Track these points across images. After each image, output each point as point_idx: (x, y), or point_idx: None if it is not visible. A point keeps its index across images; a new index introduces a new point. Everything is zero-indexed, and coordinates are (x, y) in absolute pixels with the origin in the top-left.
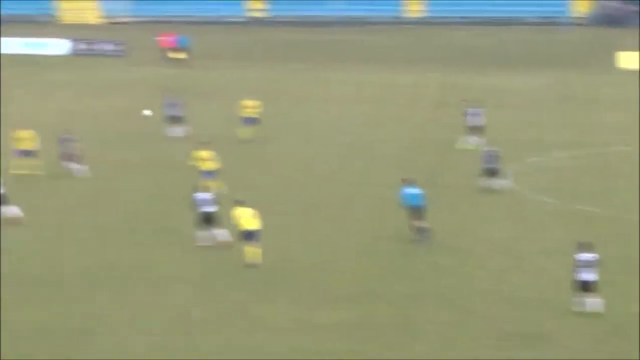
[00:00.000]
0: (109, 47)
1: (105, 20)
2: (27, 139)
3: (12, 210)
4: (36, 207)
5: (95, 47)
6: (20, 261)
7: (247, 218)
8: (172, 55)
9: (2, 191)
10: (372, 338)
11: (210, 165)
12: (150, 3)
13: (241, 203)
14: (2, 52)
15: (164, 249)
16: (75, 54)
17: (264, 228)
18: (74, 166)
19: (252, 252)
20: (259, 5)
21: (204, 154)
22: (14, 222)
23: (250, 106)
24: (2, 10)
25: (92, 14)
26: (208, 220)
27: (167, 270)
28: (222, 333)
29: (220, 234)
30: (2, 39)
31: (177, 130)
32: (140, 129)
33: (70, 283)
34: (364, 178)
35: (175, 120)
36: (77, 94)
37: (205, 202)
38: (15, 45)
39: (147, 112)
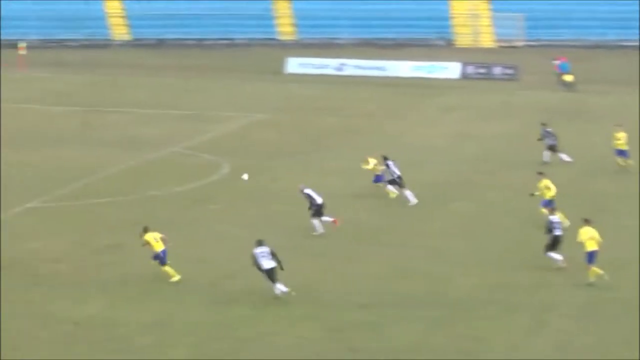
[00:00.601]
0: (500, 70)
1: (499, 44)
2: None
3: (326, 219)
4: (417, 229)
5: (486, 70)
6: (397, 281)
7: (590, 238)
8: (562, 79)
9: (320, 202)
10: None
11: (549, 194)
12: (544, 26)
13: (588, 222)
14: (393, 75)
15: (543, 273)
16: (466, 77)
17: None
18: (405, 192)
19: (592, 272)
20: None
21: (544, 182)
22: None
23: (620, 138)
24: (396, 34)
25: (487, 38)
26: (555, 243)
27: (547, 296)
28: None
29: (559, 258)
30: (393, 62)
31: (555, 157)
32: (525, 155)
33: (455, 304)
34: None
35: (552, 147)
36: (467, 117)
37: (557, 225)
38: (406, 68)
39: (244, 177)
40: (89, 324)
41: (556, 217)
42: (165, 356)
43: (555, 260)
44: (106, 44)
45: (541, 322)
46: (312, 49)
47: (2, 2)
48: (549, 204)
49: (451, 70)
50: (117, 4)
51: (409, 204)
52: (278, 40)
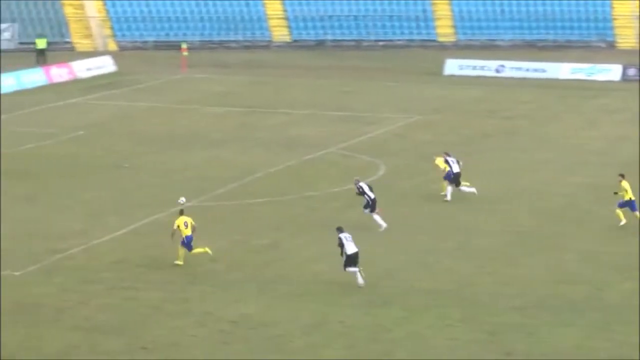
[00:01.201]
0: None
1: None
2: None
3: (378, 219)
4: (573, 232)
5: None
6: (553, 284)
7: None
8: None
9: (373, 197)
10: None
11: (627, 195)
12: None
13: None
14: (553, 77)
15: None
16: (627, 80)
17: None
18: (448, 189)
19: None
20: None
21: (623, 184)
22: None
23: None
24: (557, 36)
25: None
26: None
27: None
28: None
29: None
30: (553, 64)
31: None
32: None
33: (612, 309)
34: None
35: None
36: (627, 120)
37: None
38: (566, 70)
39: (181, 200)
40: (246, 323)
41: None
42: (320, 357)
43: None
44: (266, 45)
45: None
46: (471, 50)
47: (164, 3)
48: (625, 205)
49: (612, 72)
50: (277, 6)
51: (445, 199)
52: (437, 41)
